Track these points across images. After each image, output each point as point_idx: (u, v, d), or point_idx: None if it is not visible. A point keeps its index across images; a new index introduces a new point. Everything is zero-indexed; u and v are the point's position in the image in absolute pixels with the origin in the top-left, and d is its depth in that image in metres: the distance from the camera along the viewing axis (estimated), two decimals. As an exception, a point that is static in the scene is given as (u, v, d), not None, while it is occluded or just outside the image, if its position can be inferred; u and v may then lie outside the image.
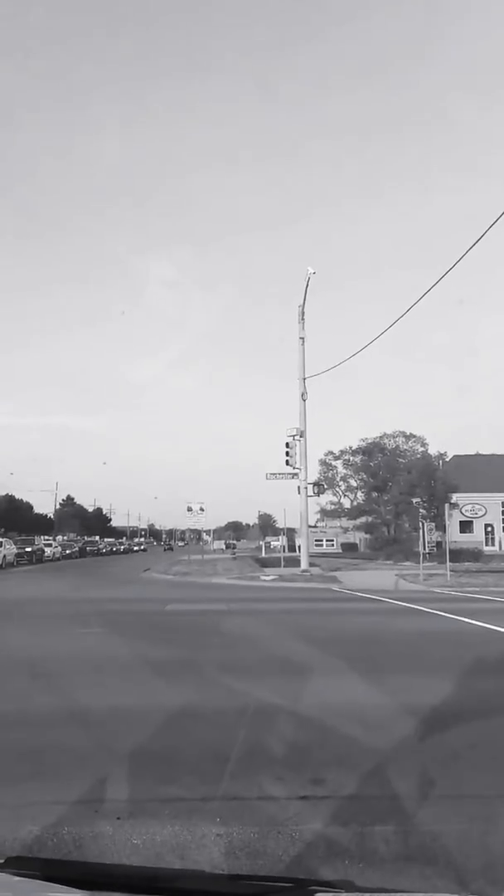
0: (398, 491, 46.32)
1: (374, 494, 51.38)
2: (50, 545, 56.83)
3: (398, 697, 6.46)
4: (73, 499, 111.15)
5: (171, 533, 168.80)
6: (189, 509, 39.87)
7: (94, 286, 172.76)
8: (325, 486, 49.77)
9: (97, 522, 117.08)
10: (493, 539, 55.70)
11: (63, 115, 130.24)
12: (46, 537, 72.59)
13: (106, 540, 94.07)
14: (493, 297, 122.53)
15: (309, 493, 30.68)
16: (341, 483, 56.18)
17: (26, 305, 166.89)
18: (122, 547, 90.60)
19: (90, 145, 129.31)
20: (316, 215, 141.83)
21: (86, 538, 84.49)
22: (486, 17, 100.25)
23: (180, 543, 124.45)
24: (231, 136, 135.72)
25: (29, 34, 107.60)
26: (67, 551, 61.04)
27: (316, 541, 59.29)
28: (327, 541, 66.68)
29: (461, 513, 53.42)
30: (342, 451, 55.62)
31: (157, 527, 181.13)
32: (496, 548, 53.69)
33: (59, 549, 58.33)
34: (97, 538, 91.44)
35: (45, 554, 51.49)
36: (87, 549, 70.73)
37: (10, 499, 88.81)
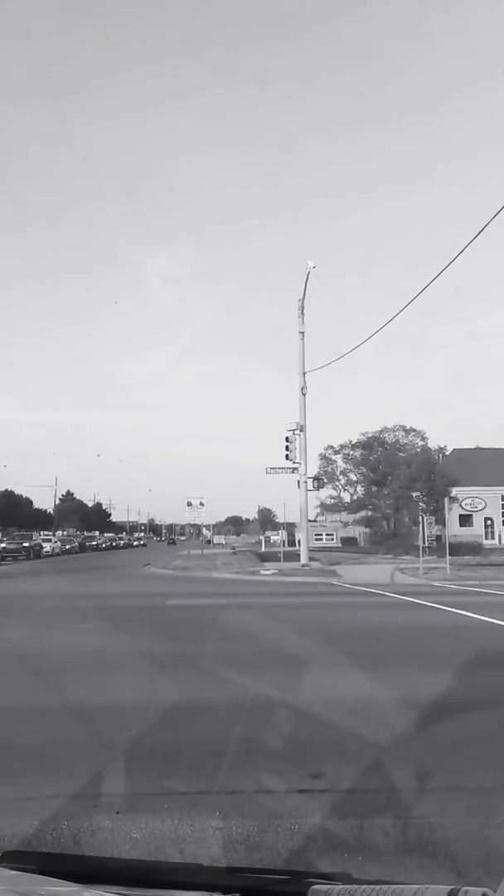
0: (398, 485, 46.37)
1: (374, 488, 51.41)
2: (49, 540, 56.33)
3: (397, 691, 6.47)
4: (72, 494, 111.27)
5: (171, 528, 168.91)
6: (189, 504, 39.90)
7: (94, 280, 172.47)
8: (325, 481, 49.85)
9: (97, 517, 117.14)
10: (492, 532, 55.71)
11: (58, 106, 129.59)
12: (46, 532, 72.56)
13: (105, 535, 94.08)
14: (495, 290, 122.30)
15: (309, 488, 30.70)
16: (341, 477, 56.28)
17: (25, 300, 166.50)
18: (122, 542, 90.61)
19: (86, 138, 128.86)
20: (316, 208, 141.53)
21: (85, 533, 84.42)
22: (485, 5, 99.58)
23: (182, 538, 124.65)
24: (229, 129, 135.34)
25: (24, 23, 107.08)
26: (67, 546, 60.80)
27: (315, 535, 59.29)
28: (327, 535, 66.66)
29: (461, 506, 53.39)
30: (342, 446, 55.69)
31: (157, 521, 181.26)
32: (496, 541, 53.71)
33: (59, 544, 57.71)
34: (97, 533, 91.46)
35: (44, 549, 50.91)
36: (87, 544, 70.66)
37: (9, 494, 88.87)
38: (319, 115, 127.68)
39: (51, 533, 69.37)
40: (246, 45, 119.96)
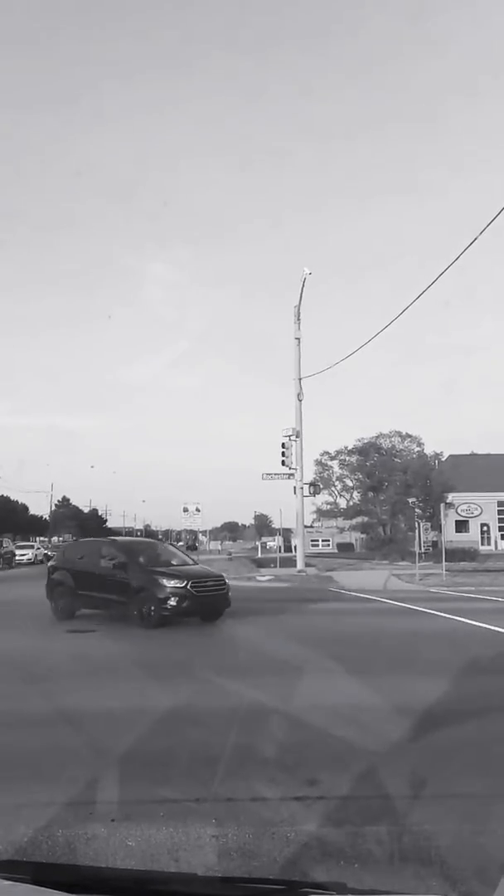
0: (394, 491, 46.32)
1: (370, 494, 51.31)
2: (31, 547, 49.25)
3: (392, 698, 6.46)
4: (68, 500, 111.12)
5: (167, 533, 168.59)
6: (185, 510, 39.80)
7: (91, 286, 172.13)
8: (321, 487, 49.75)
9: (93, 523, 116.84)
10: (488, 538, 55.74)
11: (54, 113, 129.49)
12: (42, 538, 72.11)
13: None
14: (489, 297, 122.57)
15: (305, 494, 30.69)
16: (337, 483, 56.12)
17: (21, 306, 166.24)
18: None
19: (83, 146, 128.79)
20: (312, 216, 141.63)
21: (80, 539, 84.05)
22: (475, 17, 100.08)
23: (179, 543, 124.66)
24: (224, 138, 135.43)
25: (16, 31, 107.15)
26: None
27: (312, 541, 59.29)
28: (323, 541, 66.69)
29: (457, 512, 53.42)
30: (338, 452, 55.52)
31: (153, 527, 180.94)
32: (492, 547, 53.74)
33: (41, 550, 50.36)
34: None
35: (18, 557, 43.99)
36: None
37: (4, 500, 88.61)
38: (316, 126, 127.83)
39: (34, 539, 67.22)
40: (239, 59, 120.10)
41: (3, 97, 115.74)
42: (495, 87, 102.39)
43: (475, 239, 18.48)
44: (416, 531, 28.04)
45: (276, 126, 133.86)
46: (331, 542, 66.24)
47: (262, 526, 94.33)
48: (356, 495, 54.60)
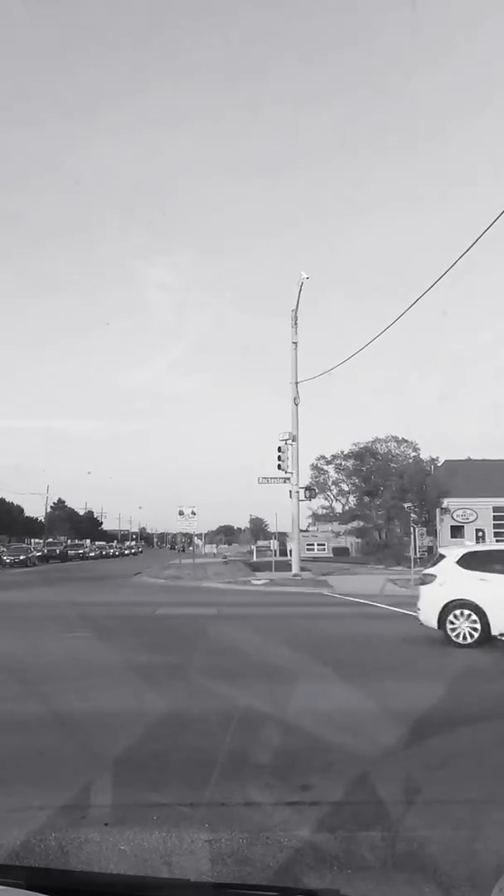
0: (390, 495, 46.36)
1: (366, 499, 51.40)
2: None
3: (386, 703, 6.46)
4: (64, 502, 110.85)
5: (162, 536, 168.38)
6: (181, 513, 39.74)
7: (88, 291, 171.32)
8: (317, 491, 49.76)
9: (89, 526, 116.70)
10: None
11: (56, 124, 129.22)
12: (37, 540, 71.81)
13: (96, 543, 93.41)
14: (483, 306, 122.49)
15: (301, 498, 30.68)
16: (333, 487, 56.15)
17: (19, 310, 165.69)
18: (113, 550, 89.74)
19: (84, 157, 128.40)
20: (310, 226, 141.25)
21: (74, 541, 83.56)
22: (471, 36, 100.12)
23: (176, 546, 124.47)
24: (224, 149, 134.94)
25: (18, 44, 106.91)
26: (33, 555, 51.23)
27: (307, 545, 59.23)
28: (319, 545, 66.62)
29: (452, 518, 53.40)
30: (334, 456, 55.61)
31: (149, 530, 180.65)
32: (487, 553, 53.67)
33: None
34: (87, 542, 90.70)
35: None
36: (69, 553, 62.81)
37: (0, 501, 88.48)
38: (313, 140, 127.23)
39: (41, 540, 66.70)
40: (240, 72, 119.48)
41: (7, 108, 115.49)
42: (496, 100, 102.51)
43: (467, 250, 18.51)
44: (412, 536, 28.06)
45: (275, 137, 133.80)
46: (326, 547, 66.20)
47: (258, 530, 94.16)
48: (352, 500, 54.65)
